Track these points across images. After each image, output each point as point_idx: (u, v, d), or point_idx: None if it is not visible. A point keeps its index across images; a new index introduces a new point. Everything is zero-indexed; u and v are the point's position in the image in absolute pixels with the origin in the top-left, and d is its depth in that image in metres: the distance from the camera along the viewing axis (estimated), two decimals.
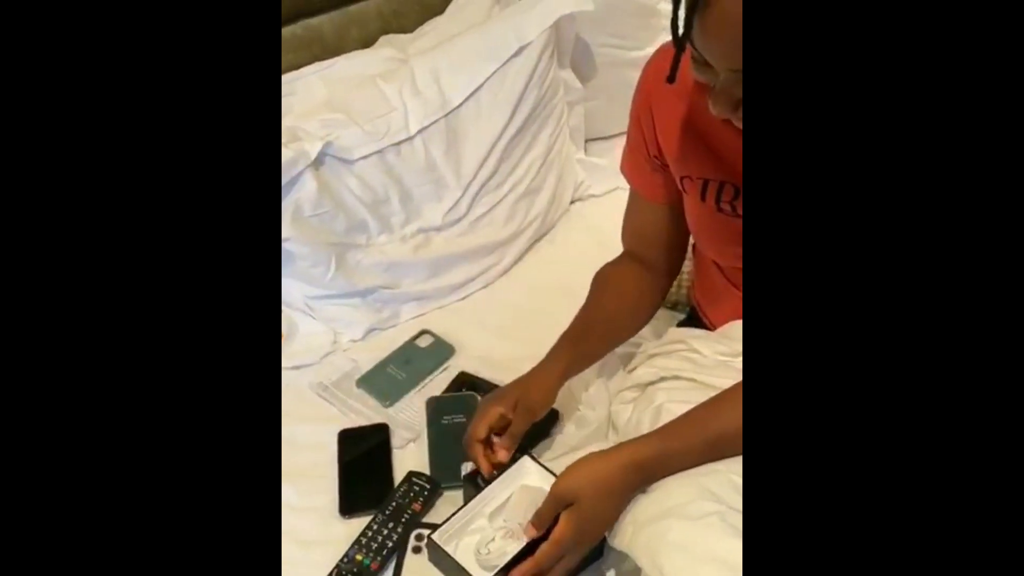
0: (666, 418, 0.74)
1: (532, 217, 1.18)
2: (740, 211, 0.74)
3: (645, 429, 0.77)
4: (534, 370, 0.85)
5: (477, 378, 0.99)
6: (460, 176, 1.12)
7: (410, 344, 1.04)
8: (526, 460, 0.80)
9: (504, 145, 1.13)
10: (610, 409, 0.89)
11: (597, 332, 0.89)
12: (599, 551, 0.75)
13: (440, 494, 0.84)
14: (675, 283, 1.11)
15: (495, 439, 0.79)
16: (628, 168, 0.87)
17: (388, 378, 0.99)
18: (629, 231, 0.92)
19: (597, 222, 1.21)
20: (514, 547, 0.72)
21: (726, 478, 0.65)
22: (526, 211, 1.18)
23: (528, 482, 0.79)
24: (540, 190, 1.19)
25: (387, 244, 1.07)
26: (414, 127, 1.06)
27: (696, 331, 0.88)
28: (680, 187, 0.79)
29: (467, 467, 0.85)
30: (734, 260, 0.79)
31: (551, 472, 0.79)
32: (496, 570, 0.70)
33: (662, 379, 0.82)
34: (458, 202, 1.12)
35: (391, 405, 0.95)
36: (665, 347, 0.87)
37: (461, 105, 1.08)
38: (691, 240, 0.90)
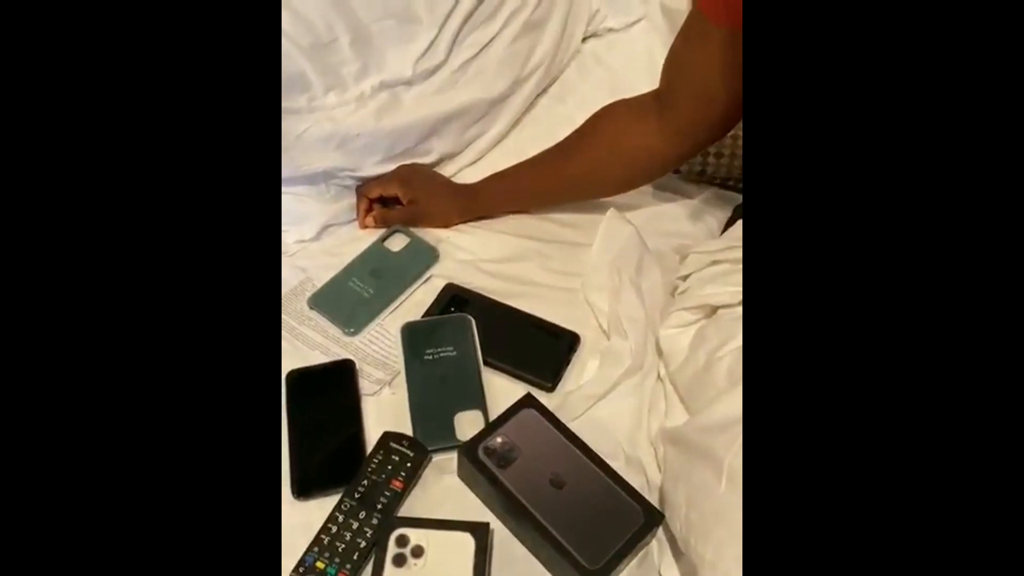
0: None
1: (535, 63, 0.88)
2: None
3: (721, 382, 0.54)
4: (459, 187, 0.81)
5: (470, 292, 0.74)
6: (434, 6, 0.80)
7: (379, 247, 0.77)
8: None
9: None
10: (660, 332, 0.65)
11: (562, 173, 0.75)
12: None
13: (427, 461, 0.61)
14: (725, 152, 0.85)
15: (376, 206, 0.80)
16: None
17: (351, 295, 0.73)
18: (674, 63, 0.67)
19: (619, 68, 0.93)
20: None
21: None
22: (526, 54, 0.87)
23: None
24: (544, 24, 0.89)
25: (338, 107, 0.77)
26: None
27: None
28: None
29: (462, 419, 0.62)
30: None
31: (557, 426, 0.59)
32: None
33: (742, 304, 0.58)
34: (433, 44, 0.81)
35: (356, 333, 0.71)
36: (736, 251, 0.61)
37: None
38: None
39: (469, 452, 0.58)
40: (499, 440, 0.59)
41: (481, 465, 0.57)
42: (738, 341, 0.54)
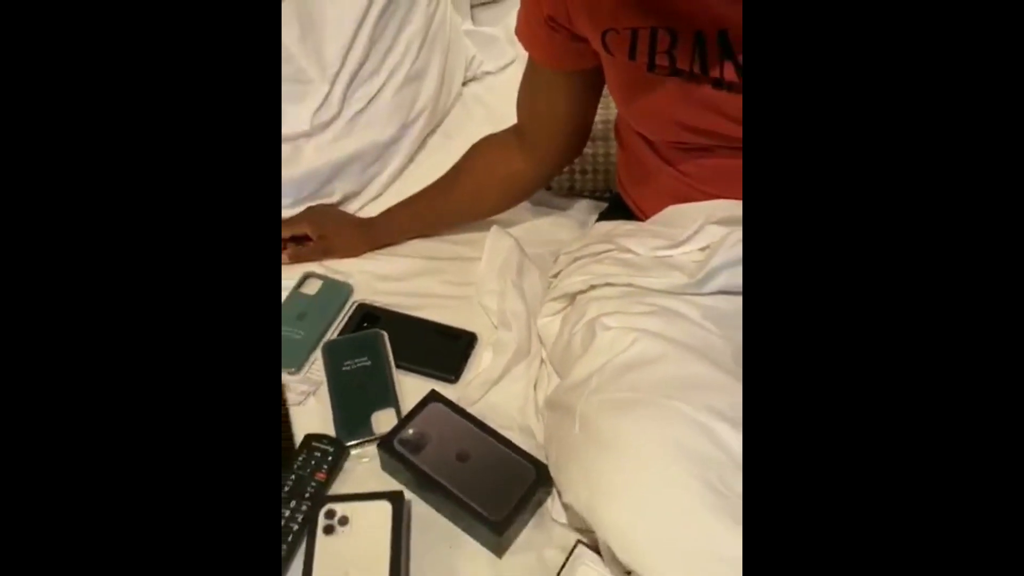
0: (601, 335, 0.63)
1: (419, 108, 1.01)
2: (679, 63, 0.60)
3: (577, 350, 0.66)
4: (362, 221, 0.91)
5: (378, 308, 0.84)
6: (324, 67, 0.92)
7: (296, 294, 0.85)
8: None
9: (373, 22, 0.94)
10: (538, 322, 0.77)
11: (447, 202, 0.87)
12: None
13: (346, 455, 0.71)
14: (589, 169, 0.99)
15: (290, 245, 0.89)
16: (522, 31, 0.73)
17: (285, 340, 0.80)
18: (521, 103, 0.80)
19: (497, 105, 1.06)
20: None
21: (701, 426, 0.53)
22: (411, 102, 1.00)
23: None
24: (425, 73, 1.01)
25: None
26: None
27: (624, 224, 0.76)
28: (602, 48, 0.64)
29: (379, 417, 0.72)
30: (670, 132, 0.66)
31: (460, 413, 0.70)
32: None
33: (592, 288, 0.70)
34: (327, 99, 0.93)
35: (298, 371, 0.79)
36: (591, 247, 0.74)
37: None
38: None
39: (386, 445, 0.68)
40: (411, 431, 0.69)
41: (398, 454, 0.67)
42: (589, 315, 0.67)
